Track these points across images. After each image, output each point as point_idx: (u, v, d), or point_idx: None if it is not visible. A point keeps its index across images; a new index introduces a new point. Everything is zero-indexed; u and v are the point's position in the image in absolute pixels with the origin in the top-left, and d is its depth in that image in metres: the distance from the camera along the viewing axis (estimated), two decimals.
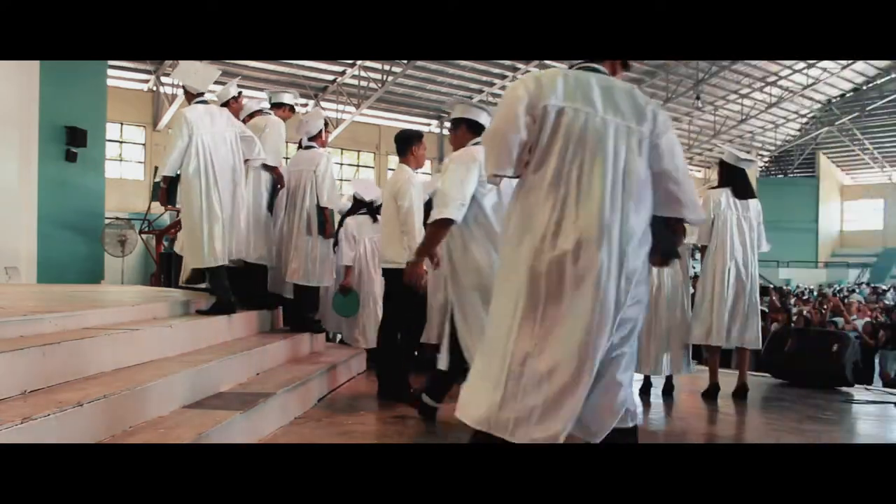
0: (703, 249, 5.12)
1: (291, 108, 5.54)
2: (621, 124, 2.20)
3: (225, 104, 5.42)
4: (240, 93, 5.49)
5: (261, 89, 10.76)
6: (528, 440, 2.11)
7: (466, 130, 3.79)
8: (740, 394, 5.02)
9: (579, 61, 2.33)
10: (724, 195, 5.04)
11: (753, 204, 5.10)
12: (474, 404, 2.20)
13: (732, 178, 5.11)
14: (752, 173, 28.14)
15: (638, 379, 5.39)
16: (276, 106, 5.43)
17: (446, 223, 3.44)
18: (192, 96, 4.62)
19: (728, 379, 5.32)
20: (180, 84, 4.49)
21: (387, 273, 4.62)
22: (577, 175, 2.15)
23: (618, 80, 2.31)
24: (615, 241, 2.13)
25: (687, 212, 2.32)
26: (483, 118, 3.81)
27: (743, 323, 4.98)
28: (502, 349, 2.16)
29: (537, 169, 2.19)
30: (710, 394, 4.99)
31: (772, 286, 17.30)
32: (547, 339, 2.13)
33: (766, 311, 9.40)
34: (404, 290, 3.99)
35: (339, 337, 6.38)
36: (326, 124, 5.61)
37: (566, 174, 2.16)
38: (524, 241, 2.17)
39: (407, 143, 4.69)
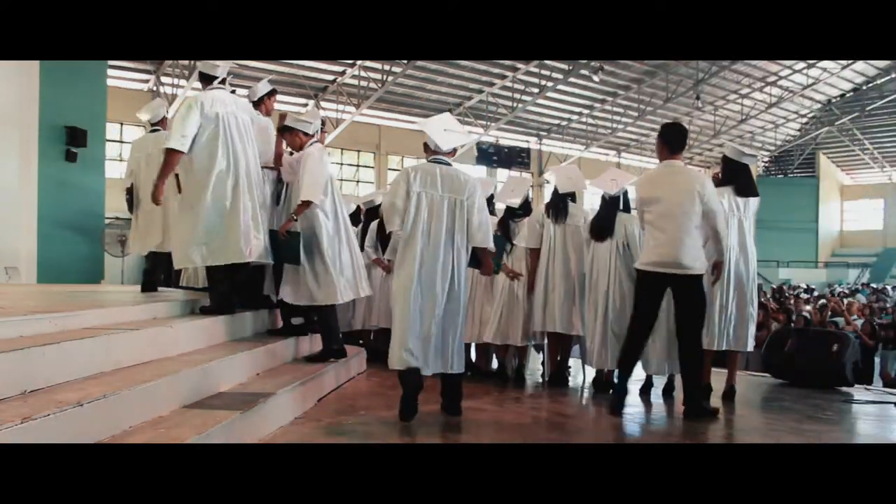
0: None
1: (269, 94, 5.44)
2: (450, 197, 3.94)
3: None
4: (233, 91, 5.48)
5: None
6: None
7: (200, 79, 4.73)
8: (729, 396, 4.92)
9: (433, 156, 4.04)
10: (726, 196, 4.83)
11: (753, 202, 4.93)
12: None
13: (735, 176, 4.92)
14: (753, 171, 28.20)
15: (639, 378, 5.38)
16: (258, 103, 5.36)
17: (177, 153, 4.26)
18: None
19: (723, 379, 5.30)
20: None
21: (680, 280, 4.29)
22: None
23: (449, 167, 4.01)
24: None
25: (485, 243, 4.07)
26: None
27: (738, 325, 4.86)
28: None
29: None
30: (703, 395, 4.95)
31: (772, 286, 17.32)
32: None
33: (763, 311, 9.40)
34: (697, 296, 4.33)
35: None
36: (324, 124, 5.59)
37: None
38: None
39: (684, 138, 4.56)
